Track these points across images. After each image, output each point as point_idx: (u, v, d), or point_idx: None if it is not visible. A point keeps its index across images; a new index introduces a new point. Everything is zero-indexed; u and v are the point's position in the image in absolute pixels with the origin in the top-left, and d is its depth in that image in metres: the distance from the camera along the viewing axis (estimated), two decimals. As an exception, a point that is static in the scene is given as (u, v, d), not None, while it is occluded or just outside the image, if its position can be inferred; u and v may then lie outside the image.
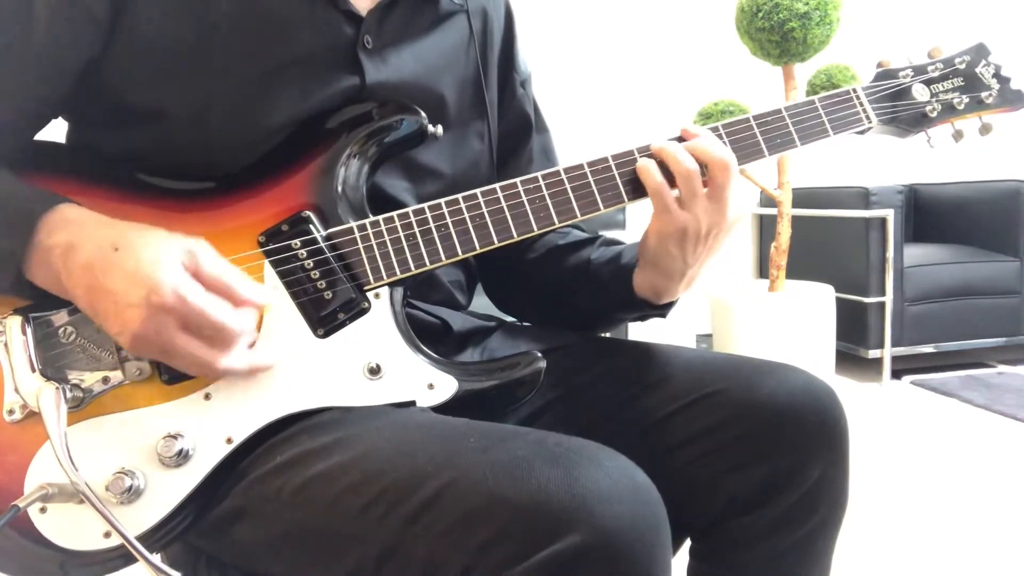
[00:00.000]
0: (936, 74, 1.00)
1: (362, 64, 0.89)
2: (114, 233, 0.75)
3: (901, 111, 0.98)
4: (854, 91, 0.97)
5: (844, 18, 2.84)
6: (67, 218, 0.76)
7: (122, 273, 0.72)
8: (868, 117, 0.97)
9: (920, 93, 0.99)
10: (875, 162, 4.03)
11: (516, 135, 1.11)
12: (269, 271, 0.82)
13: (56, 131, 0.91)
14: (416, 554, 0.67)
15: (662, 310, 0.98)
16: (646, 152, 0.88)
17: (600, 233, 1.08)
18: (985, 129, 1.01)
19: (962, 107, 1.00)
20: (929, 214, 4.10)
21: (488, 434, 0.71)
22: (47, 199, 0.78)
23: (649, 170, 0.86)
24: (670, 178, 0.86)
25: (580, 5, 3.78)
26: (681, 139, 0.89)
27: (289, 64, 0.86)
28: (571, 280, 1.04)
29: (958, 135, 1.01)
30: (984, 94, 1.00)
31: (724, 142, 0.91)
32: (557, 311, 1.09)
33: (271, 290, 0.82)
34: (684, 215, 0.86)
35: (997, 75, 1.00)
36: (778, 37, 2.80)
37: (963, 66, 1.00)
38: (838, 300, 3.13)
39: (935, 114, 0.99)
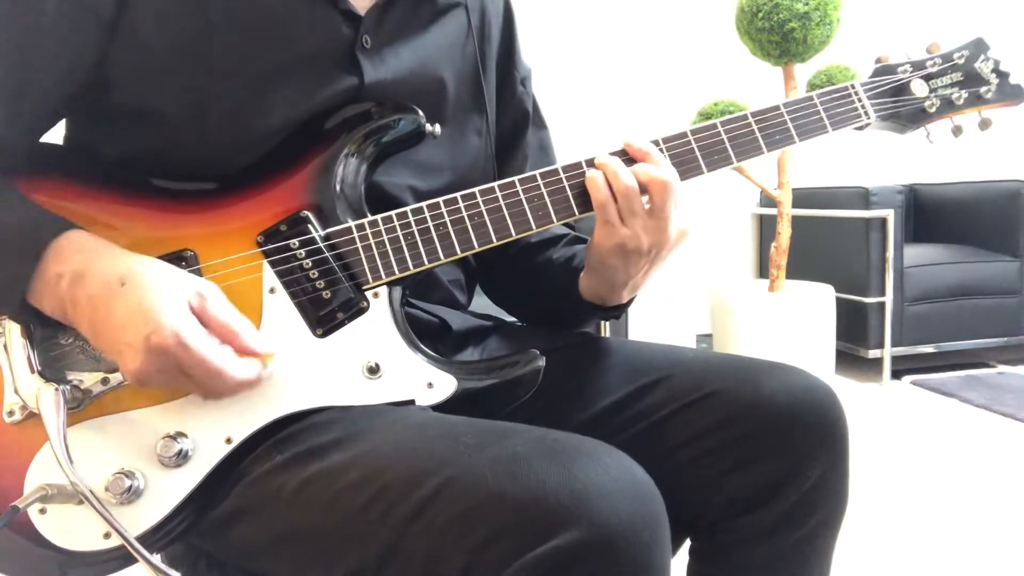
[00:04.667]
0: (935, 69, 1.00)
1: (360, 64, 0.89)
2: (122, 266, 0.75)
3: (900, 107, 0.98)
4: (852, 87, 0.97)
5: (844, 18, 2.84)
6: (77, 246, 0.76)
7: (125, 310, 0.72)
8: (867, 113, 0.97)
9: (919, 88, 0.99)
10: (875, 162, 4.03)
11: (515, 132, 1.11)
12: (268, 271, 0.82)
13: (55, 131, 0.91)
14: (417, 552, 0.67)
15: (609, 312, 0.98)
16: (591, 163, 0.88)
17: (569, 231, 1.08)
18: (984, 124, 1.01)
19: (961, 102, 1.00)
20: (929, 214, 4.10)
21: (487, 431, 0.71)
22: (56, 225, 0.77)
23: (596, 182, 0.86)
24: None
25: (580, 5, 3.78)
26: (624, 152, 0.89)
27: (288, 64, 0.86)
28: (536, 279, 1.05)
29: (957, 130, 1.01)
30: (983, 89, 1.00)
31: (724, 139, 0.91)
32: (532, 309, 1.11)
33: (268, 292, 0.82)
34: (624, 230, 0.86)
35: (996, 70, 1.01)
36: (778, 37, 2.79)
37: (962, 61, 1.00)
38: (838, 300, 3.13)
39: (934, 109, 0.99)
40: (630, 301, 0.98)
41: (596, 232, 0.89)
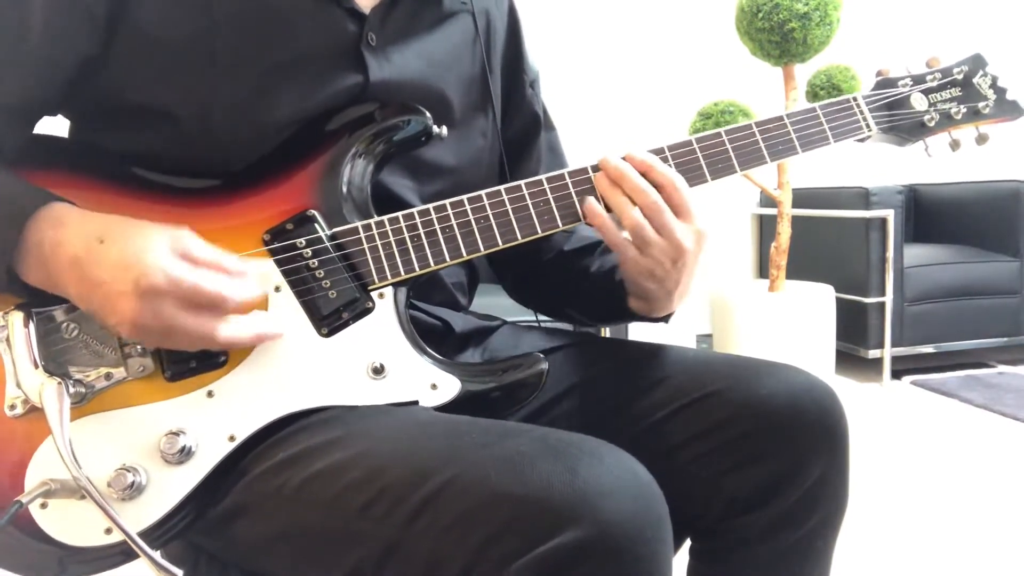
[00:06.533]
0: (934, 84, 1.01)
1: (366, 61, 0.89)
2: (98, 226, 0.75)
3: (900, 120, 0.99)
4: (854, 99, 0.98)
5: (844, 19, 2.84)
6: (57, 216, 0.76)
7: (109, 263, 0.72)
8: (868, 125, 0.98)
9: (919, 102, 1.00)
10: (875, 162, 4.02)
11: (527, 135, 1.12)
12: (273, 269, 0.82)
13: (59, 129, 0.91)
14: (418, 551, 0.67)
15: (664, 318, 0.99)
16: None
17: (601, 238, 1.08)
18: (981, 139, 1.02)
19: (959, 117, 1.01)
20: (929, 214, 4.10)
21: (489, 430, 0.72)
22: (38, 196, 0.77)
23: (607, 227, 0.87)
24: None
25: (581, 6, 3.77)
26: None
27: (292, 62, 0.86)
28: (576, 287, 1.06)
29: (955, 144, 1.03)
30: (981, 104, 1.01)
31: (728, 148, 0.91)
32: (570, 310, 1.11)
33: (273, 290, 0.82)
34: (646, 260, 0.88)
35: (994, 85, 1.02)
36: (778, 37, 2.79)
37: (961, 76, 1.02)
38: (838, 300, 3.13)
39: (933, 123, 1.00)
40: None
41: (621, 265, 0.91)
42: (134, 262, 0.71)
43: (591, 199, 0.88)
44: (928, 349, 3.58)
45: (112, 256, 0.73)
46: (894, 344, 3.45)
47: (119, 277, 0.72)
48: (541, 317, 1.15)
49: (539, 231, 0.87)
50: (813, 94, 2.88)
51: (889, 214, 3.34)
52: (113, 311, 0.73)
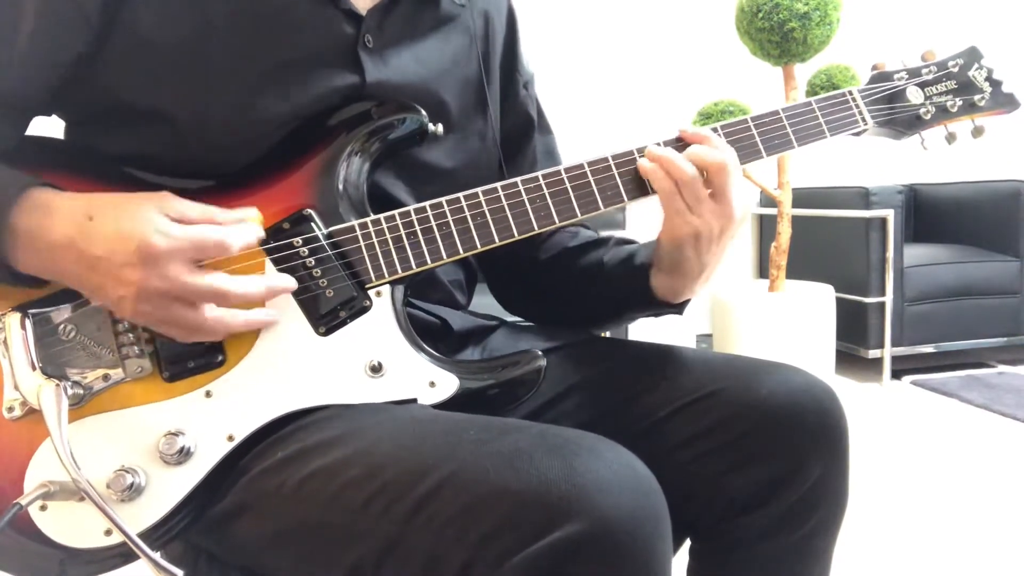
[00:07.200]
0: (930, 77, 1.01)
1: (362, 63, 0.89)
2: (84, 204, 0.76)
3: (896, 113, 0.99)
4: (850, 93, 0.98)
5: (844, 19, 2.84)
6: (41, 201, 0.76)
7: (104, 238, 0.73)
8: (864, 119, 0.98)
9: (914, 95, 1.00)
10: (875, 162, 4.03)
11: (519, 136, 1.11)
12: (270, 269, 0.82)
13: (56, 130, 0.91)
14: (418, 547, 0.67)
15: (679, 308, 0.98)
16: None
17: (611, 234, 1.08)
18: (977, 132, 1.02)
19: (955, 109, 1.01)
20: (929, 214, 4.10)
21: (488, 427, 0.72)
22: (20, 182, 0.77)
23: (658, 174, 0.87)
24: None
25: (580, 6, 3.78)
26: (679, 140, 0.90)
27: (289, 63, 0.86)
28: (584, 282, 1.05)
29: (951, 137, 1.03)
30: (976, 97, 1.01)
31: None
32: (568, 311, 1.10)
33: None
34: (695, 219, 0.87)
35: (989, 78, 1.02)
36: (778, 37, 2.80)
37: (956, 69, 1.02)
38: (838, 300, 3.13)
39: (929, 116, 1.00)
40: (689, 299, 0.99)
41: (665, 226, 0.90)
42: (130, 232, 0.72)
43: (650, 145, 0.88)
44: (928, 349, 3.58)
45: (106, 230, 0.73)
46: (894, 344, 3.45)
47: (118, 249, 0.72)
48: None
49: (536, 228, 0.87)
50: (813, 93, 2.88)
51: (889, 214, 3.34)
52: (118, 284, 0.73)
